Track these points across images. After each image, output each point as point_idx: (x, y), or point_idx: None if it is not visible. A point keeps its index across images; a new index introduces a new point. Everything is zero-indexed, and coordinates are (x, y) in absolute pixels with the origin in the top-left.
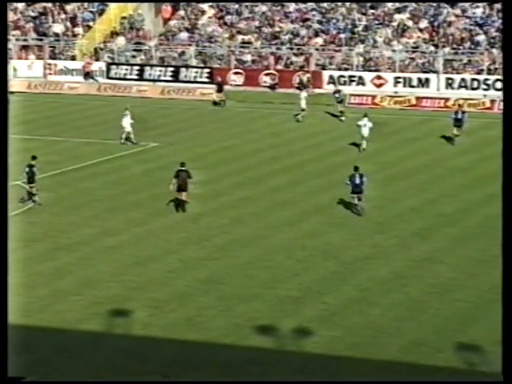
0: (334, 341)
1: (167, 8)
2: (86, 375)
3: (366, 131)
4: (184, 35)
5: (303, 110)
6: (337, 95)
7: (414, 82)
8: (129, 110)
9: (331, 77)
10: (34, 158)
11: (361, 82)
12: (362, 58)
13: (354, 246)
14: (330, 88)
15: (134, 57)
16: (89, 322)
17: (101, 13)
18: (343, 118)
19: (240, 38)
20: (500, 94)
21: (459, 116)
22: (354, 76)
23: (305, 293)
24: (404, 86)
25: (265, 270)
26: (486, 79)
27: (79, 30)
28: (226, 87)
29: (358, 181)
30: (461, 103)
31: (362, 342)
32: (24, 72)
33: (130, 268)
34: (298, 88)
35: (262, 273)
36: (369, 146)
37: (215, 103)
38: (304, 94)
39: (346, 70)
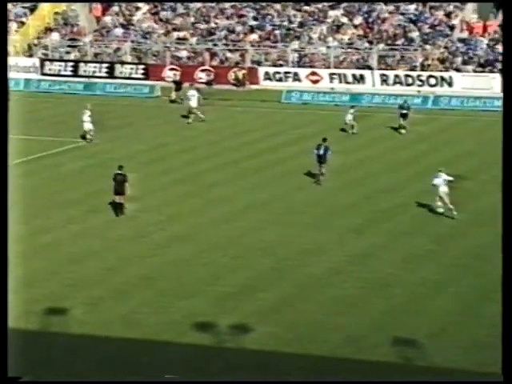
0: (271, 337)
1: (97, 6)
2: (20, 373)
3: None
4: (119, 31)
5: None
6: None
7: (349, 79)
8: (88, 109)
9: (267, 73)
10: None
11: (296, 78)
12: (297, 55)
13: (290, 243)
14: (266, 84)
15: (68, 53)
16: (24, 320)
17: (34, 8)
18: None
19: (175, 34)
20: (433, 89)
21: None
22: (289, 72)
23: (242, 289)
24: (339, 82)
25: (202, 266)
26: (420, 75)
27: (13, 25)
28: (161, 83)
29: (322, 152)
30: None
31: (300, 338)
32: None
33: (66, 265)
34: (234, 84)
35: (199, 269)
36: (305, 144)
37: (172, 101)
38: None
39: (282, 66)
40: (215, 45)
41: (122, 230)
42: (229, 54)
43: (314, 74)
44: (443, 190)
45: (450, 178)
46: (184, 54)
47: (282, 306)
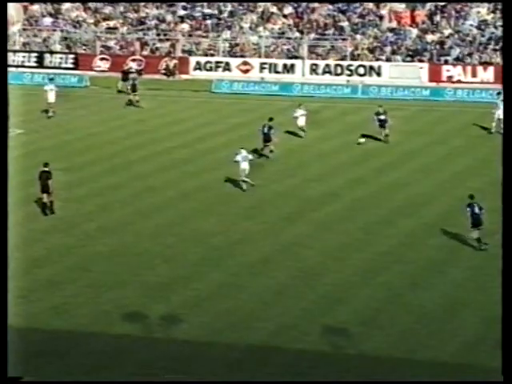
0: (203, 326)
1: None
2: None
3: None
4: (48, 20)
5: None
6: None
7: (280, 68)
8: None
9: (198, 63)
10: None
11: (227, 67)
12: (228, 44)
13: (222, 232)
14: (197, 74)
15: None
16: None
17: None
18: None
19: (105, 23)
20: (362, 79)
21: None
22: (220, 62)
23: (174, 279)
24: (270, 71)
25: (133, 256)
26: (350, 65)
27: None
28: (91, 73)
29: (266, 130)
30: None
31: (231, 327)
32: None
33: None
34: (164, 74)
35: (129, 260)
36: (235, 134)
37: (119, 91)
38: None
39: (213, 55)
40: (146, 34)
41: (51, 221)
42: (159, 44)
43: (244, 63)
44: (243, 166)
45: (250, 156)
46: (114, 43)
47: (214, 295)
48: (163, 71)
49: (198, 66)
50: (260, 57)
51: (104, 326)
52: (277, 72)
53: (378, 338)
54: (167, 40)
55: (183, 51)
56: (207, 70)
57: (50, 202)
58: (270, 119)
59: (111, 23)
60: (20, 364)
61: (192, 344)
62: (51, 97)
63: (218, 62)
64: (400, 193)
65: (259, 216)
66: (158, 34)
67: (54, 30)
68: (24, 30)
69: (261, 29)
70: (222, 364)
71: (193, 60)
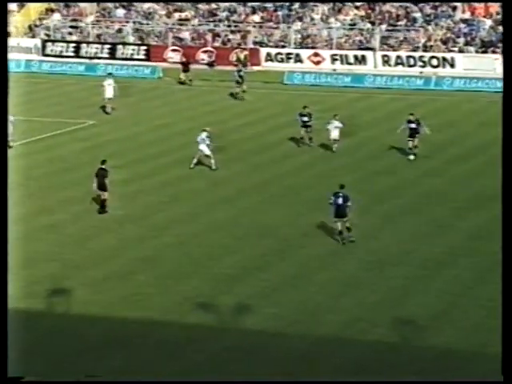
0: (272, 317)
1: None
2: (23, 354)
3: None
4: (121, 12)
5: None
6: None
7: (351, 59)
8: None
9: (269, 54)
10: None
11: (298, 59)
12: (299, 36)
13: (291, 224)
14: (268, 65)
15: (70, 34)
16: (27, 301)
17: None
18: None
19: (177, 15)
20: (435, 70)
21: None
22: (291, 53)
23: (243, 270)
24: (341, 63)
25: (203, 247)
26: (422, 56)
27: (13, 6)
28: (163, 64)
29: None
30: None
31: (300, 319)
32: None
33: (67, 247)
34: (235, 65)
35: (200, 251)
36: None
37: (181, 83)
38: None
39: (284, 47)
40: (217, 26)
41: (123, 212)
42: (231, 35)
43: (316, 55)
44: (202, 148)
45: (208, 142)
46: (186, 35)
47: (283, 287)
48: (234, 62)
49: (269, 58)
50: (331, 48)
51: (175, 316)
52: (348, 63)
53: (448, 331)
54: (238, 31)
55: (254, 42)
56: (278, 62)
57: (103, 199)
58: (305, 107)
59: (183, 15)
60: (93, 351)
61: (262, 335)
62: (109, 92)
63: (288, 54)
64: (472, 185)
65: (327, 208)
66: (230, 26)
67: (127, 22)
68: (97, 21)
69: (332, 20)
70: (292, 355)
71: (264, 51)
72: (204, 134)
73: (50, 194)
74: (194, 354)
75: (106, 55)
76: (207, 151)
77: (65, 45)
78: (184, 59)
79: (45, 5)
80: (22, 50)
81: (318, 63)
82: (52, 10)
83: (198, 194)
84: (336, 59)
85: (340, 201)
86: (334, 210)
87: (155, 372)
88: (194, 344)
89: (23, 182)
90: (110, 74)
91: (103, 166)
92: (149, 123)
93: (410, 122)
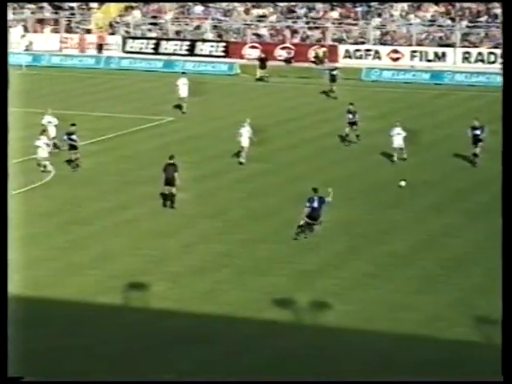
0: (349, 315)
1: None
2: (103, 348)
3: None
4: (199, 9)
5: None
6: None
7: (431, 56)
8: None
9: (347, 51)
10: (73, 125)
11: (377, 55)
12: (378, 32)
13: (369, 221)
14: (346, 62)
15: (149, 30)
16: (106, 295)
17: None
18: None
19: (255, 11)
20: None
21: None
22: (370, 50)
23: (320, 267)
24: (420, 59)
25: (280, 244)
26: None
27: (94, 3)
28: (242, 61)
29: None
30: None
31: (378, 316)
32: (40, 45)
33: (146, 242)
34: (313, 62)
35: (277, 247)
36: (384, 121)
37: (258, 79)
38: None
39: (363, 43)
40: (295, 22)
41: (201, 207)
42: (309, 32)
43: (394, 51)
44: (242, 140)
45: (250, 135)
46: (264, 31)
47: (360, 284)
48: (312, 59)
49: (348, 54)
50: (411, 45)
51: (251, 312)
52: (428, 60)
53: None
54: (317, 28)
55: (333, 39)
56: (357, 58)
57: (171, 194)
58: (352, 104)
59: (261, 11)
60: (169, 346)
61: (338, 332)
62: (183, 91)
63: (367, 50)
64: None
65: (407, 205)
66: (308, 22)
67: (206, 19)
68: (176, 18)
69: (412, 16)
70: (369, 353)
71: (342, 48)
72: (247, 126)
73: (128, 189)
74: (269, 350)
75: (185, 52)
76: (245, 143)
77: (144, 41)
78: (262, 56)
79: (125, 2)
80: (90, 46)
81: (396, 60)
82: (132, 7)
83: (274, 190)
84: (415, 56)
85: (315, 204)
86: (309, 213)
87: (230, 368)
88: (269, 340)
89: (102, 177)
90: (183, 72)
91: (172, 161)
92: (226, 120)
93: (474, 128)
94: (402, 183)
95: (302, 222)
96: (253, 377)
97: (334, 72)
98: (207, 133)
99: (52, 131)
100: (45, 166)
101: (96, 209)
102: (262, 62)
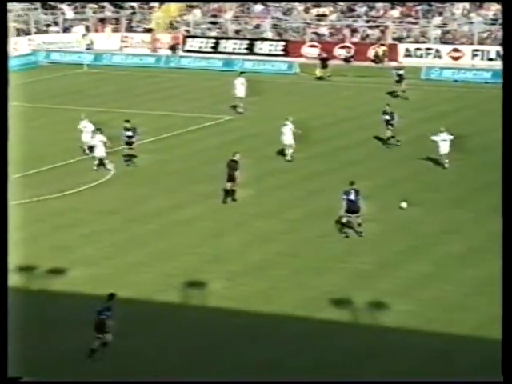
0: (408, 315)
1: None
2: (160, 346)
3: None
4: (259, 8)
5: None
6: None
7: (492, 55)
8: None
9: (407, 49)
10: (127, 121)
11: (437, 54)
12: (439, 31)
13: (429, 221)
14: (406, 61)
15: (209, 29)
16: (164, 293)
17: None
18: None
19: (315, 10)
20: None
21: None
22: (430, 49)
23: (380, 266)
24: (482, 59)
25: (339, 243)
26: None
27: (155, 2)
28: (301, 60)
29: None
30: None
31: (437, 317)
32: (101, 45)
33: (204, 240)
34: (373, 61)
35: (336, 246)
36: (443, 122)
37: (318, 78)
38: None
39: (424, 42)
40: (355, 21)
41: (260, 206)
42: (369, 31)
43: (456, 50)
44: (286, 138)
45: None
46: (324, 30)
47: (419, 284)
48: (372, 58)
49: (408, 53)
50: (472, 44)
51: (310, 311)
52: (489, 59)
53: None
54: (377, 27)
55: (393, 38)
56: (417, 57)
57: (232, 190)
58: (388, 105)
59: (321, 10)
60: (226, 345)
61: (397, 332)
62: (240, 91)
63: (428, 49)
64: None
65: (468, 205)
66: (368, 21)
67: (265, 18)
68: (236, 17)
69: (473, 15)
70: (428, 354)
71: (402, 47)
72: (289, 124)
73: (187, 187)
74: (327, 350)
75: (244, 51)
76: (289, 141)
77: (204, 40)
78: (324, 55)
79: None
80: (162, 46)
81: (457, 59)
82: (192, 6)
83: (332, 189)
84: (476, 55)
85: (352, 196)
86: (346, 206)
87: (288, 367)
88: (327, 340)
89: (161, 176)
90: (241, 72)
91: (234, 158)
92: (283, 119)
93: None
94: (404, 205)
95: (344, 220)
96: (310, 377)
97: (401, 72)
98: (266, 131)
99: (86, 137)
100: (103, 165)
101: (155, 207)
102: (324, 61)
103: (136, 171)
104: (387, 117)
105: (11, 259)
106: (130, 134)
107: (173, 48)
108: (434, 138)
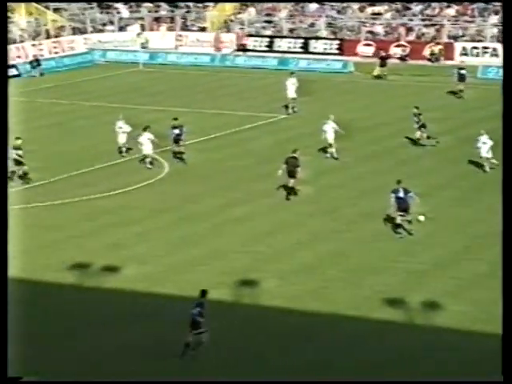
0: (462, 316)
1: None
2: (212, 343)
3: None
4: (314, 6)
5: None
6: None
7: None
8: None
9: (464, 48)
10: (175, 119)
11: (494, 53)
12: (495, 30)
13: (485, 220)
14: (463, 60)
15: (264, 28)
16: (216, 291)
17: None
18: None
19: (370, 9)
20: None
21: None
22: (487, 47)
23: (434, 266)
24: None
25: (393, 242)
26: None
27: (210, 2)
28: (355, 59)
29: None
30: None
31: (491, 318)
32: (156, 43)
33: (257, 239)
34: (429, 60)
35: (390, 246)
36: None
37: (376, 77)
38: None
39: (480, 41)
40: (411, 20)
41: (313, 205)
42: (425, 29)
43: None
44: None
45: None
46: (379, 29)
47: (474, 285)
48: (428, 57)
49: (464, 52)
50: None
51: (363, 311)
52: None
53: None
54: (432, 25)
55: (449, 36)
56: (473, 56)
57: (293, 187)
58: (417, 107)
59: (376, 9)
60: (278, 343)
61: (451, 333)
62: (291, 92)
63: (484, 48)
64: None
65: None
66: (424, 20)
67: (320, 16)
68: (291, 16)
69: None
70: (483, 355)
71: (458, 46)
72: (331, 123)
73: (240, 186)
74: (380, 350)
75: (299, 50)
76: (331, 139)
77: (259, 39)
78: (383, 54)
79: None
80: (225, 45)
81: None
82: (247, 5)
83: (386, 188)
84: None
85: (401, 194)
86: (397, 204)
87: (341, 367)
88: (381, 340)
89: (215, 174)
90: (292, 73)
91: (294, 155)
92: (340, 117)
93: None
94: (421, 218)
95: (398, 220)
96: (363, 377)
97: (463, 71)
98: (320, 130)
99: (122, 138)
100: (151, 162)
101: (208, 205)
102: (382, 59)
103: (189, 170)
104: (415, 118)
105: (64, 257)
106: (177, 131)
107: (240, 47)
108: (477, 144)
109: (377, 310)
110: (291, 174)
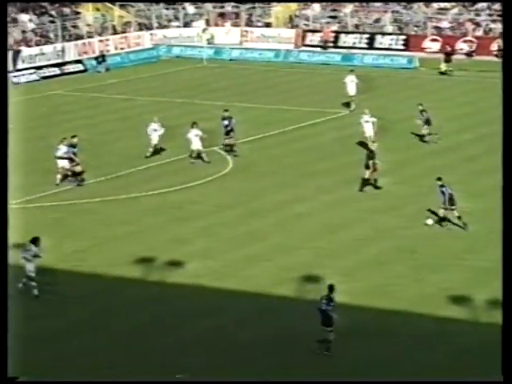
0: None
1: None
2: (276, 338)
3: None
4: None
5: None
6: None
7: None
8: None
9: None
10: (226, 110)
11: None
12: None
13: None
14: None
15: (328, 23)
16: (280, 287)
17: None
18: None
19: (436, 4)
20: None
21: None
22: None
23: (498, 264)
24: None
25: (458, 239)
26: None
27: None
28: (421, 54)
29: None
30: None
31: None
32: (221, 39)
33: (320, 235)
34: (496, 56)
35: (455, 243)
36: None
37: (442, 73)
38: None
39: None
40: (478, 15)
41: (375, 202)
42: (492, 25)
43: None
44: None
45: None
46: (445, 24)
47: None
48: (495, 52)
49: None
50: None
51: (428, 308)
52: None
53: None
54: (500, 21)
55: None
56: None
57: (368, 179)
58: (421, 104)
59: (442, 4)
60: (340, 340)
61: None
62: (351, 89)
63: None
64: None
65: None
66: (491, 15)
67: (385, 12)
68: (356, 11)
69: None
70: None
71: None
72: (365, 117)
73: (304, 182)
74: (445, 348)
75: (364, 45)
76: (370, 132)
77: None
78: (448, 49)
79: None
80: (282, 40)
81: None
82: (312, 1)
83: (452, 185)
84: None
85: (450, 190)
86: (448, 199)
87: (406, 366)
88: (445, 338)
89: (279, 170)
90: (351, 70)
91: (372, 148)
92: (404, 113)
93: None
94: (429, 222)
95: (448, 215)
96: (427, 377)
97: None
98: (382, 126)
99: (155, 139)
100: (200, 158)
101: (272, 201)
102: (448, 55)
103: (252, 165)
104: (420, 116)
105: (128, 251)
106: (226, 122)
107: (324, 44)
108: None
109: (442, 308)
110: (367, 166)
